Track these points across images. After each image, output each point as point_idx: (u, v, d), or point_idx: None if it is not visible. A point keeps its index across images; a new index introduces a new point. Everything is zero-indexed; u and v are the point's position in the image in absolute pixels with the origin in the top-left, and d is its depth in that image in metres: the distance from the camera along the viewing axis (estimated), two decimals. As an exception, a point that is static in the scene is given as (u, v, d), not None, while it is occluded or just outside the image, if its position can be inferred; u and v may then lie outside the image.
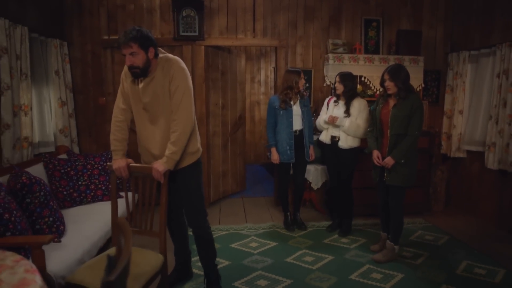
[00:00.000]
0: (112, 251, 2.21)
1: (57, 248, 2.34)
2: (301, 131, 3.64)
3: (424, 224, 3.98)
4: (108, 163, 2.37)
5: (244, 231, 3.78)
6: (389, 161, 2.93)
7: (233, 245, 3.41)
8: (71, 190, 3.19)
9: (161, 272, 2.22)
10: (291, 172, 3.78)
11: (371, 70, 4.37)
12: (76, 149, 4.13)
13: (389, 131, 2.96)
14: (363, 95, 4.29)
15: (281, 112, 3.58)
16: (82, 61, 4.28)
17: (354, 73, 3.72)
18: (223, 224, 3.96)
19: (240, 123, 5.16)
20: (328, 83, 4.39)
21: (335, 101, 3.60)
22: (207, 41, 4.34)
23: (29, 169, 2.87)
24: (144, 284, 1.97)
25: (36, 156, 3.43)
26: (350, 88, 3.48)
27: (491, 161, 3.82)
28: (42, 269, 1.89)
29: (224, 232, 3.73)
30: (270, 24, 4.50)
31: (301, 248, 3.37)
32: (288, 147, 3.59)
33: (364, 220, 4.03)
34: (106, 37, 4.27)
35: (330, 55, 4.32)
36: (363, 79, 4.43)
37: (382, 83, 3.01)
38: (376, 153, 3.05)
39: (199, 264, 2.74)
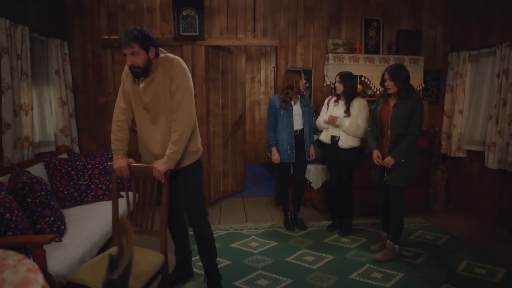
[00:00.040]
0: (113, 250, 2.22)
1: (58, 247, 2.35)
2: (301, 130, 3.64)
3: (424, 224, 3.99)
4: (109, 163, 2.37)
5: (245, 230, 3.78)
6: (389, 160, 2.93)
7: (233, 245, 3.42)
8: (72, 190, 3.20)
9: (161, 272, 2.23)
10: (292, 171, 3.78)
11: (371, 70, 4.38)
12: (76, 149, 4.13)
13: (389, 130, 2.96)
14: (363, 95, 4.30)
15: (282, 111, 3.59)
16: (82, 61, 4.28)
17: (354, 73, 3.73)
18: (224, 224, 3.97)
19: (240, 122, 5.17)
20: (328, 83, 4.40)
21: (335, 101, 3.61)
22: (207, 41, 4.34)
23: (29, 169, 2.87)
24: (145, 284, 1.97)
25: (36, 156, 3.43)
26: (350, 88, 3.49)
27: (491, 161, 3.82)
28: (43, 269, 1.89)
29: (225, 232, 3.73)
30: (271, 24, 4.51)
31: (301, 247, 3.38)
32: (288, 147, 3.59)
33: (364, 219, 4.03)
34: (106, 37, 4.28)
35: (330, 55, 4.33)
36: (363, 79, 4.43)
37: (382, 83, 3.01)
38: (376, 153, 3.06)
39: (200, 263, 2.75)
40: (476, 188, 4.26)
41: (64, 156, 3.61)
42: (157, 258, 2.18)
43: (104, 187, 3.35)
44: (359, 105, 3.46)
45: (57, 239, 2.43)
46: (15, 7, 3.24)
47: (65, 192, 3.16)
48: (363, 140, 3.49)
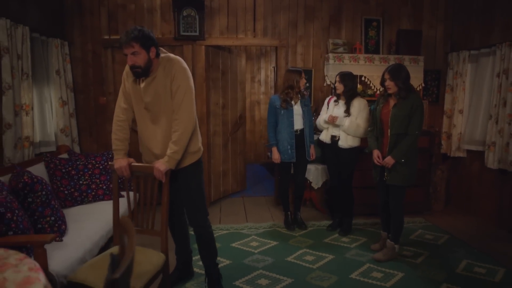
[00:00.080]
0: (114, 250, 2.22)
1: (59, 247, 2.35)
2: (302, 130, 3.65)
3: (424, 223, 3.99)
4: (109, 163, 2.38)
5: (245, 230, 3.79)
6: (389, 160, 2.93)
7: (233, 244, 3.42)
8: (72, 190, 3.20)
9: (162, 271, 2.23)
10: (292, 171, 3.79)
11: (371, 70, 4.38)
12: (77, 149, 4.13)
13: (389, 130, 2.97)
14: (363, 94, 4.30)
15: (282, 111, 3.59)
16: (82, 61, 4.29)
17: (355, 73, 3.73)
18: (224, 224, 3.97)
19: (240, 122, 5.17)
20: (329, 82, 4.40)
21: (335, 101, 3.61)
22: (207, 40, 4.34)
23: (30, 169, 2.87)
24: (146, 283, 1.98)
25: (37, 156, 3.44)
26: (350, 87, 3.49)
27: (491, 161, 3.83)
28: (44, 268, 1.90)
29: (225, 232, 3.74)
30: (271, 24, 4.51)
31: (301, 247, 3.38)
32: (289, 147, 3.60)
33: (364, 219, 4.04)
34: (106, 37, 4.28)
35: (331, 55, 4.33)
36: (363, 78, 4.43)
37: (382, 83, 3.02)
38: (376, 153, 3.06)
39: (200, 263, 2.75)
40: (476, 187, 4.27)
41: (65, 156, 3.61)
42: (158, 258, 2.19)
43: (104, 187, 3.35)
44: (359, 105, 3.47)
45: (57, 238, 2.43)
46: (16, 7, 3.25)
47: (66, 192, 3.16)
48: (363, 140, 3.50)
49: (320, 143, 3.80)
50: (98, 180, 3.35)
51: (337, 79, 3.51)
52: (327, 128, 3.62)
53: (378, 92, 4.33)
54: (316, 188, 4.22)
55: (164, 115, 2.27)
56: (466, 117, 4.34)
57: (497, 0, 3.90)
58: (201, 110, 4.32)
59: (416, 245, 3.43)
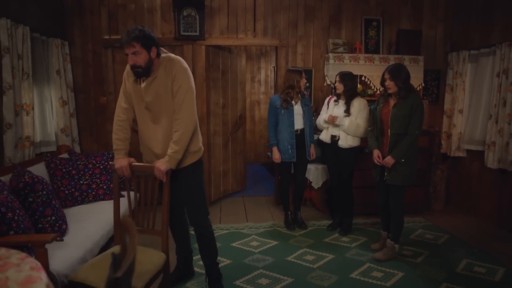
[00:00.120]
0: (114, 249, 2.22)
1: (60, 247, 2.35)
2: (302, 130, 3.65)
3: (424, 223, 4.00)
4: (110, 162, 2.38)
5: (245, 230, 3.79)
6: (389, 160, 2.94)
7: (234, 244, 3.43)
8: (73, 189, 3.20)
9: (163, 271, 2.24)
10: (292, 171, 3.79)
11: (371, 70, 4.39)
12: (77, 149, 4.14)
13: (389, 130, 2.97)
14: (363, 94, 4.31)
15: (283, 111, 3.59)
16: (83, 61, 4.29)
17: (355, 73, 3.74)
18: (224, 223, 3.98)
19: (240, 122, 5.17)
20: (329, 82, 4.41)
21: (335, 101, 3.62)
22: (207, 40, 4.35)
23: (31, 168, 2.88)
24: (146, 282, 1.98)
25: (37, 156, 3.44)
26: (350, 87, 3.49)
27: (491, 160, 3.83)
28: (45, 268, 1.90)
29: (225, 231, 3.74)
30: (271, 23, 4.52)
31: (301, 247, 3.39)
32: (289, 146, 3.60)
33: (364, 219, 4.04)
34: (107, 37, 4.28)
35: (331, 55, 4.34)
36: (363, 78, 4.44)
37: (382, 83, 3.02)
38: (376, 153, 3.07)
39: (201, 262, 2.76)
40: (476, 187, 4.27)
41: (65, 155, 3.61)
42: (158, 257, 2.19)
43: (105, 187, 3.35)
44: (359, 105, 3.47)
45: (58, 238, 2.43)
46: (16, 7, 3.25)
47: (66, 192, 3.16)
48: (363, 139, 3.50)
49: (320, 143, 3.80)
50: (98, 180, 3.35)
51: (337, 79, 3.52)
52: (327, 128, 3.63)
53: (378, 92, 4.34)
54: (316, 187, 4.23)
55: (165, 115, 2.28)
56: (466, 117, 4.35)
57: (497, 0, 3.91)
58: (201, 110, 4.33)
59: (416, 244, 3.43)
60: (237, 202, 4.81)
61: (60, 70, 3.84)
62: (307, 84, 4.35)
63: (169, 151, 2.21)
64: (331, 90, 4.39)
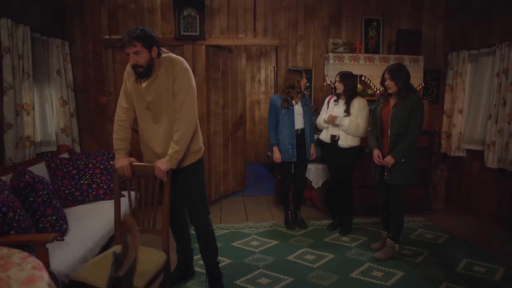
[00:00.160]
0: (115, 249, 2.22)
1: (60, 246, 2.36)
2: (302, 130, 3.65)
3: (424, 223, 4.01)
4: (111, 162, 2.38)
5: (245, 229, 3.80)
6: (389, 160, 2.94)
7: (234, 244, 3.43)
8: (73, 189, 3.21)
9: (164, 270, 2.24)
10: (292, 171, 3.79)
11: (371, 70, 4.39)
12: (77, 148, 4.14)
13: (389, 130, 2.98)
14: (363, 94, 4.31)
15: (283, 111, 3.60)
16: (83, 61, 4.29)
17: (355, 73, 3.74)
18: (224, 223, 3.98)
19: (240, 122, 5.18)
20: (329, 82, 4.41)
21: (335, 100, 3.62)
22: (208, 40, 4.35)
23: (31, 168, 2.88)
24: (147, 282, 1.98)
25: (38, 155, 3.44)
26: (350, 87, 3.50)
27: (491, 160, 3.84)
28: (46, 267, 1.90)
29: (225, 231, 3.75)
30: (271, 23, 4.52)
31: (302, 246, 3.39)
32: (290, 146, 3.61)
33: (364, 218, 4.05)
34: (107, 37, 4.28)
35: (331, 55, 4.34)
36: (363, 78, 4.44)
37: (382, 83, 3.02)
38: (376, 152, 3.07)
39: (201, 262, 2.76)
40: (476, 187, 4.28)
41: (66, 155, 3.62)
42: (159, 257, 2.19)
43: (105, 187, 3.36)
44: (359, 105, 3.48)
45: (59, 238, 2.43)
46: (17, 7, 3.25)
47: (67, 192, 3.17)
48: (363, 139, 3.51)
49: (320, 143, 3.81)
50: (99, 180, 3.35)
51: (337, 78, 3.52)
52: (327, 127, 3.63)
53: (378, 91, 4.34)
54: (316, 187, 4.23)
55: (166, 115, 2.28)
56: (466, 117, 4.35)
57: (497, 0, 3.91)
58: (202, 109, 4.33)
59: (416, 244, 3.44)
60: (237, 201, 4.81)
61: (61, 70, 3.84)
62: (307, 84, 4.36)
63: (170, 150, 2.22)
64: (331, 90, 4.39)
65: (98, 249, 2.64)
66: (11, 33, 2.99)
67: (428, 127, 4.46)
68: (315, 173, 4.16)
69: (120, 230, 2.29)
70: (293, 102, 3.61)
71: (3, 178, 2.51)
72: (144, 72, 2.19)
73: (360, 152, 3.61)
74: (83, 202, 3.24)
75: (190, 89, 2.25)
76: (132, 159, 2.34)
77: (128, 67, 2.34)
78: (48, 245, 1.99)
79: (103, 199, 3.33)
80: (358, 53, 4.40)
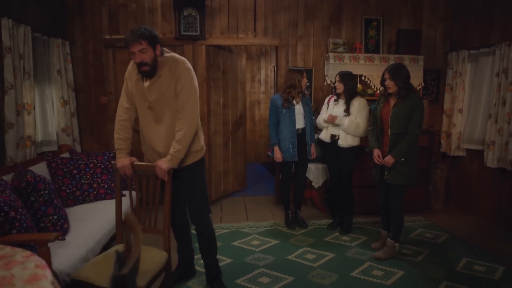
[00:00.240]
0: (116, 248, 2.23)
1: (62, 245, 2.36)
2: (303, 129, 3.66)
3: (424, 222, 4.02)
4: (112, 162, 2.39)
5: (246, 229, 3.81)
6: (389, 159, 2.95)
7: (235, 243, 3.44)
8: (74, 189, 3.21)
9: (165, 270, 2.25)
10: (293, 170, 3.80)
11: (371, 69, 4.40)
12: (78, 148, 4.15)
13: (389, 130, 2.98)
14: (363, 94, 4.32)
15: (284, 110, 3.60)
16: (84, 61, 4.30)
17: (355, 72, 3.75)
18: (225, 223, 3.99)
19: (240, 122, 5.19)
20: (329, 82, 4.42)
21: (335, 100, 3.63)
22: (208, 40, 4.36)
23: (32, 168, 2.88)
24: (148, 281, 1.99)
25: (39, 155, 3.45)
26: (350, 87, 3.51)
27: (491, 160, 3.85)
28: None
29: (226, 230, 3.76)
30: (271, 23, 4.53)
31: (302, 246, 3.40)
32: (291, 146, 3.61)
33: (364, 218, 4.06)
34: (107, 37, 4.29)
35: (331, 54, 4.35)
36: (363, 78, 4.45)
37: (382, 82, 3.03)
38: (376, 152, 3.08)
39: (202, 262, 2.77)
40: (476, 186, 4.29)
41: (66, 155, 3.62)
42: (160, 256, 2.20)
43: (106, 186, 3.37)
44: (358, 104, 3.49)
45: (60, 237, 2.44)
46: (17, 7, 3.26)
47: (68, 191, 3.17)
48: (363, 139, 3.52)
49: (320, 142, 3.82)
50: (99, 180, 3.36)
51: (337, 78, 3.53)
52: (327, 127, 3.64)
53: (378, 91, 4.35)
54: (316, 187, 4.24)
55: (168, 114, 2.29)
56: (466, 116, 4.36)
57: (497, 0, 3.92)
58: (202, 109, 4.33)
59: (416, 243, 3.45)
60: (237, 201, 4.82)
61: (61, 69, 3.85)
62: (308, 84, 4.37)
63: (172, 150, 2.23)
64: (331, 90, 4.40)
65: (99, 249, 2.65)
66: (12, 33, 3.00)
67: (428, 127, 4.47)
68: (315, 173, 4.17)
69: (123, 229, 2.30)
70: (294, 101, 3.61)
71: (4, 177, 2.51)
72: (150, 71, 2.20)
73: (360, 151, 3.62)
74: (84, 201, 3.24)
75: (193, 89, 2.26)
76: (133, 158, 2.35)
77: (130, 67, 2.35)
78: (49, 245, 2.00)
79: (104, 198, 3.34)
80: (358, 53, 4.41)
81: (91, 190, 3.29)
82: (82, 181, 3.28)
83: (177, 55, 2.32)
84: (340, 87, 3.51)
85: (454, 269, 2.94)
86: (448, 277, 2.81)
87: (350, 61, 4.35)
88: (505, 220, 3.81)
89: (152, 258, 2.15)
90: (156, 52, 2.19)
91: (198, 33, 4.25)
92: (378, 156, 3.06)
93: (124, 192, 3.15)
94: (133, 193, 2.80)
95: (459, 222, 4.06)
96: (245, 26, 4.49)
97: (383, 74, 2.99)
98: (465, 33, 4.46)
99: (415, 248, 3.35)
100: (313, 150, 3.75)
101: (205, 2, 4.23)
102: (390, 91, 2.97)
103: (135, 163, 2.32)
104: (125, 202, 2.96)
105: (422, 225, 3.92)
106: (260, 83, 7.25)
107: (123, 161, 2.29)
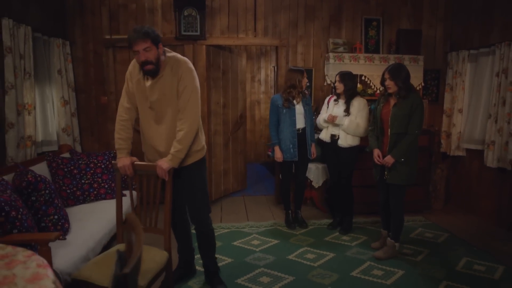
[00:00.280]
0: (116, 248, 2.23)
1: (62, 245, 2.37)
2: (303, 129, 3.67)
3: (424, 222, 4.02)
4: (112, 161, 2.40)
5: (246, 229, 3.81)
6: (389, 159, 2.96)
7: (235, 243, 3.44)
8: (75, 189, 3.22)
9: (165, 269, 2.25)
10: (293, 170, 3.81)
11: (371, 69, 4.41)
12: (78, 148, 4.15)
13: (389, 130, 2.99)
14: (363, 94, 4.33)
15: (284, 110, 3.61)
16: (84, 60, 4.30)
17: (355, 72, 3.76)
18: (225, 222, 3.99)
19: (241, 122, 5.19)
20: (329, 82, 4.42)
21: (335, 100, 3.64)
22: (208, 40, 4.36)
23: (33, 168, 2.89)
24: (149, 281, 1.99)
25: (39, 155, 3.45)
26: (350, 87, 3.51)
27: (490, 159, 3.85)
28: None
29: (226, 230, 3.76)
30: (271, 23, 4.53)
31: (302, 245, 3.40)
32: (291, 146, 3.62)
33: (364, 218, 4.06)
34: (108, 37, 4.29)
35: (331, 54, 4.35)
36: (363, 78, 4.46)
37: (382, 82, 3.04)
38: (376, 152, 3.08)
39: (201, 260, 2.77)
40: (476, 186, 4.29)
41: (67, 155, 3.62)
42: (161, 256, 2.20)
43: (106, 186, 3.37)
44: (358, 104, 3.49)
45: (61, 237, 2.44)
46: (18, 7, 3.26)
47: (68, 191, 3.18)
48: (363, 139, 3.52)
49: (320, 142, 3.82)
50: (100, 179, 3.37)
51: (337, 78, 3.53)
52: (327, 127, 3.64)
53: (378, 91, 4.35)
54: (316, 187, 4.25)
55: (169, 114, 2.30)
56: (466, 116, 4.37)
57: (497, 0, 3.93)
58: (202, 109, 4.28)
59: (416, 243, 3.45)
60: (237, 201, 4.83)
61: (62, 69, 3.85)
62: (308, 84, 4.37)
63: (172, 150, 2.23)
64: (331, 90, 4.40)
65: (99, 248, 2.66)
66: (12, 33, 3.00)
67: (428, 127, 4.48)
68: (315, 173, 4.18)
69: (124, 229, 2.30)
70: (295, 101, 3.62)
71: (5, 177, 2.52)
72: (154, 69, 2.21)
73: (360, 151, 3.62)
74: (84, 201, 3.25)
75: (195, 89, 2.27)
76: (134, 158, 2.35)
77: (130, 67, 2.36)
78: (50, 244, 2.00)
79: (104, 198, 3.34)
80: (358, 53, 4.42)
81: (91, 190, 3.29)
82: (83, 181, 3.28)
83: (179, 55, 2.33)
84: (340, 87, 3.51)
85: (454, 269, 2.94)
86: (448, 276, 2.82)
87: (350, 61, 4.36)
88: (505, 220, 3.81)
89: (152, 257, 2.15)
90: (159, 51, 2.20)
91: (198, 33, 4.26)
92: (378, 156, 3.06)
93: (124, 192, 3.15)
94: (134, 192, 2.80)
95: (459, 222, 4.06)
96: (245, 26, 4.50)
97: (383, 74, 3.00)
98: (465, 33, 4.46)
99: (415, 247, 3.35)
100: (313, 150, 3.75)
101: (205, 2, 4.24)
102: (390, 91, 2.97)
103: (135, 163, 2.33)
104: (126, 202, 2.97)
105: (422, 225, 3.93)
106: (260, 83, 7.25)
107: (124, 161, 2.30)
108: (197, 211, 2.51)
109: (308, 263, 3.06)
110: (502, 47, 3.72)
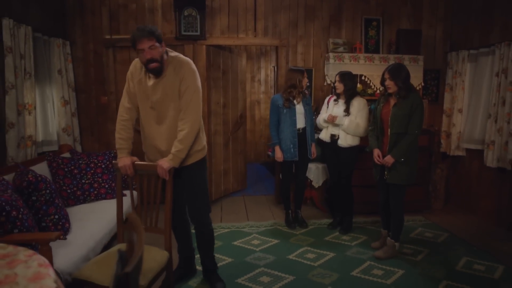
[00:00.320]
0: (118, 247, 2.24)
1: (63, 245, 2.37)
2: (304, 129, 3.67)
3: (424, 222, 4.02)
4: (113, 161, 2.40)
5: (246, 229, 3.81)
6: (388, 159, 2.96)
7: (235, 243, 3.45)
8: (75, 189, 3.22)
9: (166, 269, 2.25)
10: (293, 170, 3.81)
11: (371, 69, 4.41)
12: (78, 148, 4.16)
13: (389, 130, 2.99)
14: (363, 94, 4.33)
15: (285, 110, 3.61)
16: (84, 60, 4.30)
17: (354, 72, 3.76)
18: (225, 222, 4.00)
19: (241, 122, 5.19)
20: (329, 82, 4.43)
21: (335, 100, 3.64)
22: (208, 40, 4.37)
23: (33, 168, 2.89)
24: (150, 280, 2.00)
25: (39, 155, 3.45)
26: (350, 87, 3.52)
27: (490, 159, 3.86)
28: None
29: (226, 230, 3.76)
30: (271, 23, 4.53)
31: (302, 245, 3.41)
32: (291, 145, 3.62)
33: (364, 217, 4.07)
34: (108, 37, 4.30)
35: (331, 54, 4.36)
36: (363, 78, 4.46)
37: (382, 82, 3.04)
38: (376, 152, 3.09)
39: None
40: (476, 186, 4.30)
41: (67, 155, 3.62)
42: (161, 255, 2.21)
43: (107, 186, 3.37)
44: (358, 104, 3.49)
45: (62, 236, 2.45)
46: (18, 7, 3.26)
47: (68, 191, 3.18)
48: (363, 139, 3.53)
49: (320, 142, 3.82)
50: (100, 179, 3.37)
51: (337, 78, 3.54)
52: (327, 127, 3.65)
53: (378, 91, 4.36)
54: (316, 186, 4.25)
55: (170, 114, 2.31)
56: (466, 116, 4.37)
57: (497, 0, 3.93)
58: (202, 109, 4.24)
59: (416, 243, 3.46)
60: (237, 201, 4.83)
61: (62, 69, 3.85)
62: (308, 84, 4.37)
63: (173, 149, 2.24)
64: (331, 90, 4.41)
65: (100, 248, 2.66)
66: (13, 33, 3.01)
67: (428, 127, 4.48)
68: (315, 173, 4.18)
69: (125, 228, 2.31)
70: (295, 101, 3.62)
71: (5, 177, 2.52)
72: (159, 68, 2.22)
73: (360, 151, 3.62)
74: (84, 201, 3.25)
75: (197, 90, 2.29)
76: (135, 158, 2.36)
77: (131, 67, 2.36)
78: (51, 244, 2.01)
79: (105, 198, 3.35)
80: (358, 53, 4.42)
81: (92, 190, 3.29)
82: (83, 181, 3.29)
83: (182, 56, 2.34)
84: (340, 87, 3.52)
85: (454, 268, 2.95)
86: (448, 276, 2.82)
87: (350, 61, 4.36)
88: (505, 219, 3.82)
89: (153, 257, 2.15)
90: (162, 50, 2.22)
91: (198, 33, 4.26)
92: (378, 156, 3.06)
93: (125, 191, 3.15)
94: (134, 192, 2.81)
95: (459, 221, 4.07)
96: (245, 26, 4.50)
97: (383, 74, 3.00)
98: (465, 33, 4.47)
99: (415, 247, 3.36)
100: (313, 149, 3.76)
101: (205, 2, 4.24)
102: (390, 91, 2.98)
103: (136, 162, 2.33)
104: (126, 201, 2.97)
105: (422, 225, 3.93)
106: (260, 83, 7.25)
107: (124, 160, 2.30)
108: (197, 211, 2.51)
109: (308, 262, 3.06)
110: (502, 47, 3.72)
